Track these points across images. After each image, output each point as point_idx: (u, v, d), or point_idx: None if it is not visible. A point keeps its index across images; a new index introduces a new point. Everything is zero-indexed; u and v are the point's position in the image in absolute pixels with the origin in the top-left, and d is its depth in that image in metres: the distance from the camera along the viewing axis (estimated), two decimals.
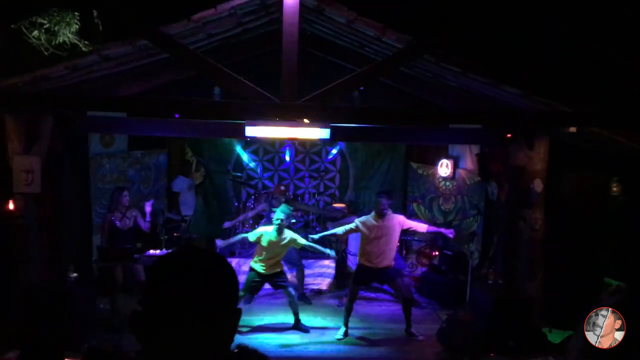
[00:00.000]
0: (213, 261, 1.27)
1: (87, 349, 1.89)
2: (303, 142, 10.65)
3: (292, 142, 10.53)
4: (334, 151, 10.85)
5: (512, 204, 6.77)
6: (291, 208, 6.95)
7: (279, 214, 6.62)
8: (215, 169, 10.64)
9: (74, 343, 5.68)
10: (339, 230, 6.96)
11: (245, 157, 10.60)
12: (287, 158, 10.78)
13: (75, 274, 6.59)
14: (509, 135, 6.69)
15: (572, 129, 6.14)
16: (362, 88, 6.92)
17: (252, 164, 10.68)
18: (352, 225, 6.85)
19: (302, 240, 6.75)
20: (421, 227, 6.93)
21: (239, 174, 10.51)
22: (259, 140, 10.29)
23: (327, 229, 9.72)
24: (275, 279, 6.78)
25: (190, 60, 6.07)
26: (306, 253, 8.00)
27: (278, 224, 6.56)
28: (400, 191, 10.49)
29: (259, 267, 6.71)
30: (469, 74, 6.17)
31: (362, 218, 6.84)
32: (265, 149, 10.83)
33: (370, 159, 10.82)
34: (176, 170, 10.41)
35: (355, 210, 10.29)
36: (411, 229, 7.10)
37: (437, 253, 8.92)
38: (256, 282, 6.75)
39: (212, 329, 1.19)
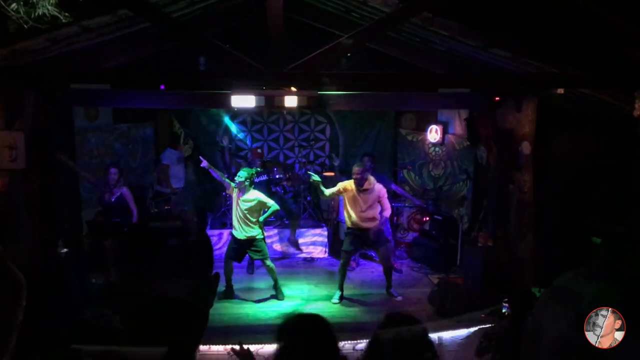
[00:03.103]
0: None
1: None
2: (292, 111, 10.57)
3: (280, 112, 10.45)
4: (324, 119, 10.81)
5: (501, 167, 6.80)
6: (253, 170, 7.02)
7: (240, 173, 6.75)
8: (203, 141, 10.56)
9: (67, 319, 5.69)
10: (326, 190, 6.92)
11: (233, 127, 10.51)
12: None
13: (65, 250, 6.57)
14: (497, 99, 6.66)
15: (560, 91, 6.13)
16: (349, 54, 6.84)
17: (240, 135, 10.60)
18: (334, 189, 6.90)
19: (271, 203, 6.82)
20: (387, 210, 6.95)
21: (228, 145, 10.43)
22: (247, 111, 10.20)
23: (319, 198, 9.75)
24: (251, 246, 6.88)
25: (173, 30, 5.95)
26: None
27: (237, 182, 6.70)
28: (390, 158, 10.48)
29: (234, 232, 6.89)
30: (457, 37, 6.10)
31: (345, 182, 6.90)
32: (253, 119, 10.74)
33: (360, 127, 10.77)
34: (164, 143, 10.31)
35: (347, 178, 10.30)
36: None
37: (427, 218, 8.96)
38: (234, 247, 6.90)
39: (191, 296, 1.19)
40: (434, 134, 9.32)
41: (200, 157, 7.36)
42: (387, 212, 6.89)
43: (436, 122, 9.42)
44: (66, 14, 5.32)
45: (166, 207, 8.88)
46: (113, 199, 7.22)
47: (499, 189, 6.81)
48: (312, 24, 7.76)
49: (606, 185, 7.09)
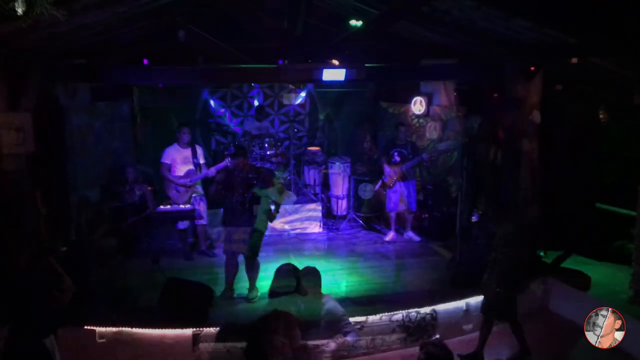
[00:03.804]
0: None
1: None
2: (271, 86, 10.47)
3: (260, 87, 10.35)
4: (303, 94, 10.72)
5: (510, 139, 6.80)
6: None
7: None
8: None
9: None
10: None
11: (212, 103, 10.34)
12: (256, 102, 10.60)
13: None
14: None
15: (574, 60, 5.98)
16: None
17: (224, 115, 10.42)
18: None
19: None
20: None
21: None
22: (227, 86, 10.14)
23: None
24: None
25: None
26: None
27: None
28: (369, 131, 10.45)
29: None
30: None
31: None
32: (233, 94, 10.58)
33: (339, 100, 10.73)
34: (142, 121, 9.99)
35: (330, 153, 10.36)
36: None
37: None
38: None
39: None
40: (418, 105, 9.24)
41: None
42: None
43: (420, 94, 9.32)
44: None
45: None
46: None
47: (506, 158, 6.89)
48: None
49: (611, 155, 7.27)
